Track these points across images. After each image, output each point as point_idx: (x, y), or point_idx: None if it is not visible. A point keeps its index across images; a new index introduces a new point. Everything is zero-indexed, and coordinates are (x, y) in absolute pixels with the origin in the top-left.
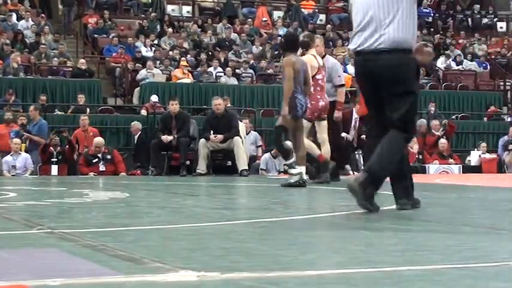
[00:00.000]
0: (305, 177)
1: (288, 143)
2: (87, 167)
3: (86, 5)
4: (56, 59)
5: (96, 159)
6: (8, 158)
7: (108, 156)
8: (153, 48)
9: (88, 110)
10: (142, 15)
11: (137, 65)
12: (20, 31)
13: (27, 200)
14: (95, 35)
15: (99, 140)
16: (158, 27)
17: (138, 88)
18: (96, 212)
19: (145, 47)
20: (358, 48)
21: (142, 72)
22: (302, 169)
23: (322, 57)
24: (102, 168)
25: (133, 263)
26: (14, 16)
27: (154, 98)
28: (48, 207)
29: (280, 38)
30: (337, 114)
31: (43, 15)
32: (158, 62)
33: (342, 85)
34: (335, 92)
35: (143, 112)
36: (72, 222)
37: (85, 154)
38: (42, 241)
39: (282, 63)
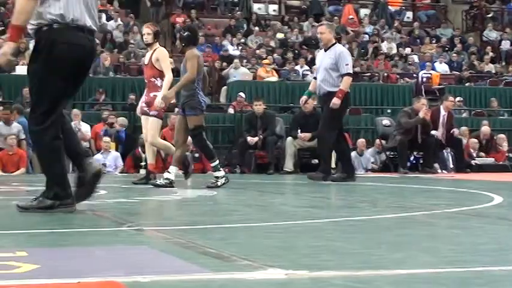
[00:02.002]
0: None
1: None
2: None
3: (174, 4)
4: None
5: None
6: (98, 156)
7: (196, 155)
8: (240, 47)
9: (176, 108)
10: (229, 14)
11: (224, 63)
12: (109, 31)
13: (117, 198)
14: None
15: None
16: (245, 25)
17: (225, 87)
18: (185, 209)
19: (232, 45)
20: None
21: (230, 71)
22: (174, 169)
23: (331, 46)
24: None
25: (221, 261)
26: (104, 16)
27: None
28: (138, 205)
29: (182, 32)
30: (336, 101)
31: (131, 15)
32: (245, 60)
33: (349, 74)
34: (340, 82)
35: (230, 110)
36: (161, 220)
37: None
38: (132, 238)
39: (186, 56)
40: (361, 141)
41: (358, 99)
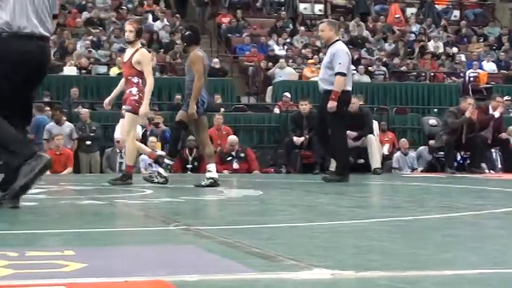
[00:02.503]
0: (215, 175)
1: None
2: (221, 165)
3: (220, 4)
4: None
5: (230, 158)
6: (144, 156)
7: (242, 155)
8: (286, 47)
9: (222, 108)
10: (275, 14)
11: (270, 63)
12: (155, 31)
13: (163, 197)
14: (228, 34)
15: (233, 138)
16: (291, 25)
17: (271, 87)
18: (231, 209)
19: (278, 45)
20: None
21: (275, 71)
22: (212, 167)
23: (332, 44)
24: (235, 166)
25: (267, 260)
26: (150, 17)
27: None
28: (184, 204)
29: (184, 32)
30: (331, 104)
31: (177, 15)
32: (290, 60)
33: (341, 74)
34: (332, 78)
35: (276, 110)
36: (207, 219)
37: (219, 152)
38: (179, 238)
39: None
40: (403, 140)
41: (405, 98)
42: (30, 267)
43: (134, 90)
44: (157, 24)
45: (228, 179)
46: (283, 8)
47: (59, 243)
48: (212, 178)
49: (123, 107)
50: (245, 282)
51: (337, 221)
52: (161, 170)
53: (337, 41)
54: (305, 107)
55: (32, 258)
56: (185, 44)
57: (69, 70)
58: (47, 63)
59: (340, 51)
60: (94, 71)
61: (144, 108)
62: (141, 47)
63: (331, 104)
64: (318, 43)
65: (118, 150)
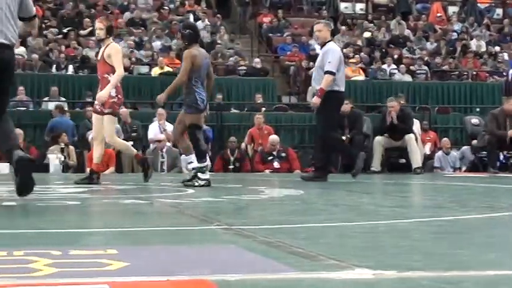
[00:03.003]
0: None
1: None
2: (262, 164)
3: (261, 4)
4: (231, 58)
5: (271, 157)
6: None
7: (283, 154)
8: None
9: (263, 108)
10: (316, 14)
11: (311, 63)
12: None
13: (204, 197)
14: (270, 34)
15: (274, 138)
16: (332, 25)
17: (312, 86)
18: (272, 209)
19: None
20: None
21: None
22: (193, 157)
23: (325, 43)
24: (276, 165)
25: (309, 260)
26: (191, 17)
27: None
28: (225, 204)
29: (183, 30)
30: (315, 100)
31: (219, 15)
32: None
33: (329, 72)
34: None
35: None
36: (248, 219)
37: (260, 152)
38: (220, 237)
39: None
40: (445, 140)
41: (447, 98)
42: (74, 265)
43: (113, 91)
44: (199, 24)
45: (269, 178)
46: (324, 7)
47: (101, 242)
48: (195, 168)
49: (102, 109)
50: (286, 281)
51: (378, 220)
52: (199, 174)
53: (329, 41)
54: (346, 106)
55: (75, 257)
56: (186, 43)
57: None
58: (7, 68)
59: (330, 50)
60: (136, 71)
61: (105, 93)
62: (111, 42)
63: (316, 100)
64: (359, 42)
65: (159, 150)
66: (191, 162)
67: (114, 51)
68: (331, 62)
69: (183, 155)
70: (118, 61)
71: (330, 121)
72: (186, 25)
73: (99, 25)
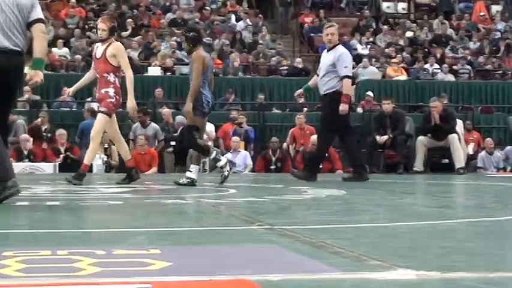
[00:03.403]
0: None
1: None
2: (304, 164)
3: (302, 4)
4: (273, 58)
5: None
6: (228, 155)
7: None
8: (369, 46)
9: (305, 108)
10: (358, 13)
11: (353, 63)
12: (238, 31)
13: (246, 197)
14: (311, 34)
15: (315, 137)
16: (373, 24)
17: (354, 86)
18: (314, 209)
19: (361, 44)
20: None
21: (358, 70)
22: (196, 168)
23: (334, 47)
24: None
25: (351, 260)
26: (233, 17)
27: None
28: (267, 204)
29: (187, 33)
30: (342, 107)
31: (260, 15)
32: (374, 59)
33: (348, 76)
34: (337, 83)
35: (359, 110)
36: (291, 219)
37: (302, 152)
38: (262, 237)
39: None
40: (488, 140)
41: (490, 97)
42: (117, 265)
43: (111, 91)
44: (240, 25)
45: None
46: (366, 6)
47: (144, 241)
48: (223, 166)
49: (98, 107)
50: (329, 282)
51: (421, 221)
52: (188, 173)
53: (338, 44)
54: (388, 106)
55: (119, 256)
56: (191, 45)
57: (153, 70)
58: (12, 72)
59: (344, 54)
60: (178, 71)
61: (131, 103)
62: (113, 41)
63: (343, 107)
64: (401, 42)
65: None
66: (190, 171)
67: (121, 52)
68: (348, 66)
69: (226, 154)
70: (126, 63)
71: (332, 124)
72: (190, 28)
73: (102, 25)
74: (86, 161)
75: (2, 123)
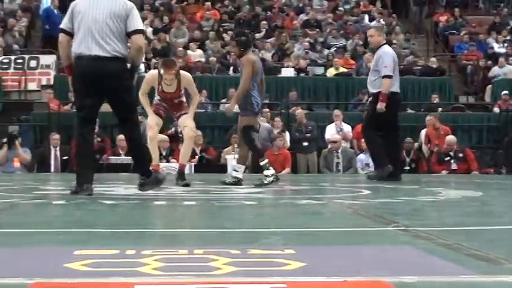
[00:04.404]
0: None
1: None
2: (439, 165)
3: (437, 3)
4: (407, 58)
5: (448, 158)
6: (361, 156)
7: (460, 155)
8: (506, 44)
9: (439, 108)
10: (494, 11)
11: (489, 62)
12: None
13: (380, 198)
14: (446, 33)
15: (451, 138)
16: (511, 22)
17: (490, 85)
18: (450, 210)
19: (497, 43)
20: None
21: (495, 69)
22: (242, 168)
23: (378, 48)
24: (454, 166)
25: (488, 263)
26: (366, 17)
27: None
28: (402, 205)
29: (237, 38)
30: (380, 105)
31: (394, 15)
32: (511, 58)
33: (387, 76)
34: (379, 84)
35: (496, 110)
36: (425, 220)
37: (437, 152)
38: (397, 238)
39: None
40: None
41: None
42: (252, 265)
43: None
44: (373, 25)
45: (446, 179)
46: (502, 4)
47: (279, 242)
48: (235, 177)
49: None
50: (465, 284)
51: None
52: (265, 171)
53: (383, 44)
54: None
55: (254, 256)
56: (242, 49)
57: (287, 71)
58: (103, 77)
59: (385, 54)
60: (311, 72)
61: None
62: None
63: (381, 106)
64: None
65: (334, 150)
66: (236, 170)
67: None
68: (388, 66)
69: (360, 155)
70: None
71: (373, 121)
72: (240, 33)
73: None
74: (154, 162)
75: (121, 119)
